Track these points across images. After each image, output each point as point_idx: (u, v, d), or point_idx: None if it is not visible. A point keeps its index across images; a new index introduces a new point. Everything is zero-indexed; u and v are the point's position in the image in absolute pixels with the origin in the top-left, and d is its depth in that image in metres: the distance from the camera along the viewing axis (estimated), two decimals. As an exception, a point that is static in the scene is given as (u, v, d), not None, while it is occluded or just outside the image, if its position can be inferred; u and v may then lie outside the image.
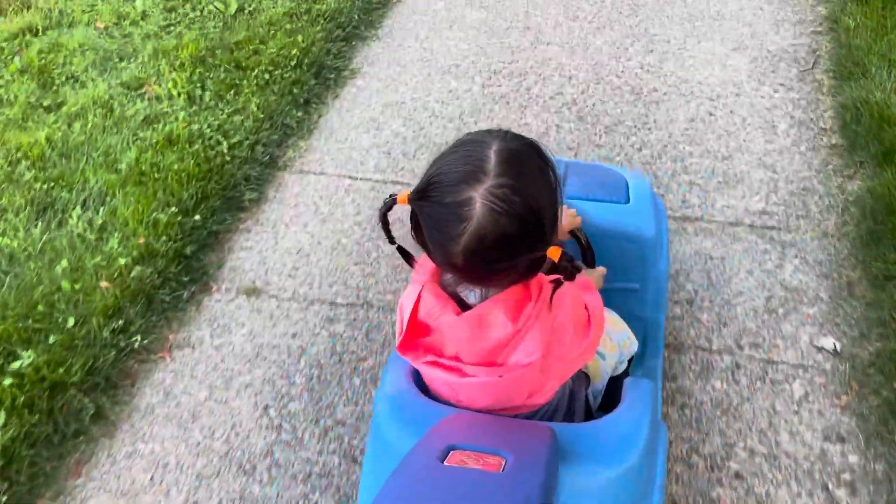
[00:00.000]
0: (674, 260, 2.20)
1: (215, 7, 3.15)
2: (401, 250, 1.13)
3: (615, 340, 1.46)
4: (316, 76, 2.93)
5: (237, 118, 2.64)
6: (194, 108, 2.68)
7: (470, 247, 0.97)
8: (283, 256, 2.29)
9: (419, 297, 1.10)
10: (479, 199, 0.96)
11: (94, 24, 3.13)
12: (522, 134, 1.06)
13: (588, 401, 1.38)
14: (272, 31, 3.04)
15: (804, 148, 2.56)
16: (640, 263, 1.61)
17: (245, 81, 2.79)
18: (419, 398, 1.18)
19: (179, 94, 2.73)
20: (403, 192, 1.02)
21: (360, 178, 2.55)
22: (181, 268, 2.20)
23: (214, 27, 3.08)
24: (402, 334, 1.12)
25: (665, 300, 1.78)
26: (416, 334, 1.12)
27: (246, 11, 3.18)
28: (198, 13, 3.17)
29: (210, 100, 2.71)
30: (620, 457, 1.11)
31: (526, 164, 1.00)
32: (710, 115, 2.71)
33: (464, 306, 1.10)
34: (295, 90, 2.82)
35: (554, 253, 0.99)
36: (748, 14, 3.20)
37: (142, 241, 2.20)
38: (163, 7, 3.21)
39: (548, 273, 1.01)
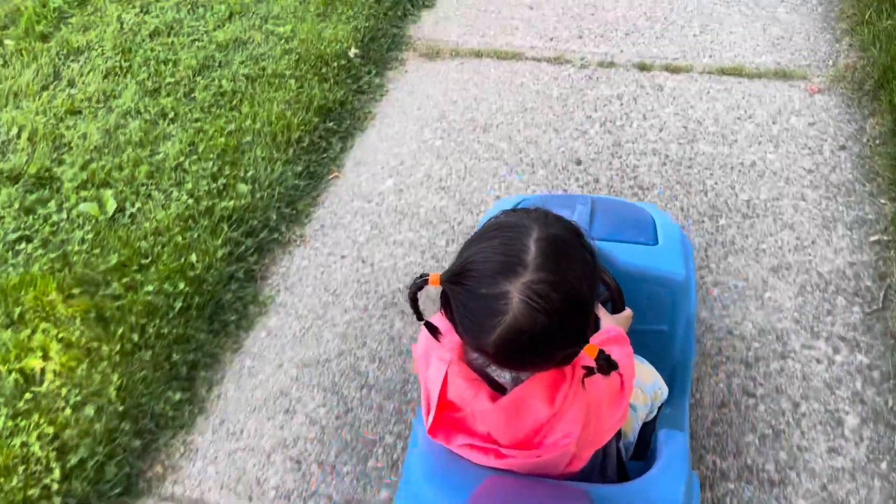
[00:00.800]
0: None
1: (87, 211, 2.39)
2: (428, 326, 1.07)
3: (647, 392, 1.42)
4: (210, 322, 2.16)
5: (85, 414, 1.87)
6: (24, 399, 1.91)
7: (503, 341, 0.94)
8: None
9: (446, 376, 1.06)
10: (516, 293, 0.93)
11: (-76, 235, 2.37)
12: (558, 216, 1.02)
13: (620, 454, 1.32)
14: (158, 247, 2.27)
15: (885, 466, 1.79)
16: (669, 306, 1.59)
17: (106, 346, 2.02)
18: (452, 456, 1.13)
19: (10, 372, 1.96)
20: (434, 275, 0.99)
21: (255, 513, 1.79)
22: None
23: (82, 242, 2.31)
24: (431, 416, 1.08)
25: (693, 342, 1.75)
26: (444, 409, 1.09)
27: (127, 214, 2.41)
28: (64, 216, 2.40)
29: (51, 381, 1.94)
30: None
31: (568, 253, 0.97)
32: (748, 395, 1.94)
33: (495, 385, 1.07)
34: (175, 355, 2.04)
35: (591, 351, 0.97)
36: (787, 207, 2.44)
37: None
38: (20, 206, 2.44)
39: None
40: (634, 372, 1.19)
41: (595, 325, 1.03)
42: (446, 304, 1.00)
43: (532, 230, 0.96)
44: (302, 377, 2.06)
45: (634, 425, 1.40)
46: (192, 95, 2.88)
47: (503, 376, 1.07)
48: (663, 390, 1.48)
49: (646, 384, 1.43)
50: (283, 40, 3.15)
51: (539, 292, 0.92)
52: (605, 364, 0.97)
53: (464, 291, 0.96)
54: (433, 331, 1.08)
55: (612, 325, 1.30)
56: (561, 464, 1.10)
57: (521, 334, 0.93)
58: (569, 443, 1.04)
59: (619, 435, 1.33)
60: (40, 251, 2.28)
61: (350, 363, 2.09)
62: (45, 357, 1.99)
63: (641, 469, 1.20)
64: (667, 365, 1.59)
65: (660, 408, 1.50)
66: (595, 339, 1.04)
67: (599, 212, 1.63)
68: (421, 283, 1.02)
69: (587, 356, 0.98)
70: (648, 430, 1.46)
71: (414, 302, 1.05)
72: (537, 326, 0.93)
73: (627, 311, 1.39)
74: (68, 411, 1.88)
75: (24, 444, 1.81)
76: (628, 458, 1.39)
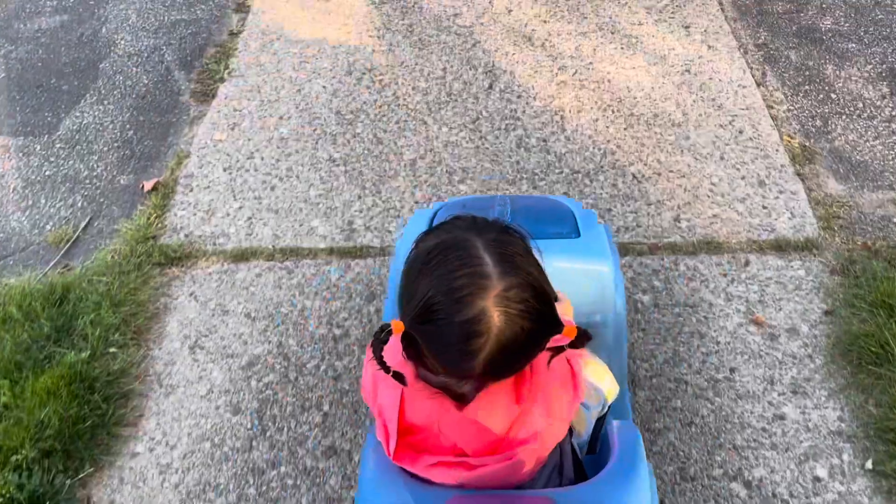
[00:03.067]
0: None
1: None
2: (396, 375, 1.00)
3: (599, 391, 1.33)
4: None
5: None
6: None
7: (492, 358, 0.91)
8: None
9: (402, 400, 1.02)
10: (493, 308, 0.89)
11: None
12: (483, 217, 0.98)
13: (576, 452, 1.23)
14: None
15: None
16: (599, 296, 1.59)
17: None
18: (406, 480, 1.06)
19: None
20: (396, 322, 0.94)
21: None
22: None
23: None
24: (393, 442, 1.02)
25: (625, 329, 1.69)
26: (405, 434, 1.03)
27: None
28: None
29: None
30: None
31: (516, 249, 0.95)
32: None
33: (455, 396, 0.99)
34: None
35: (570, 332, 0.96)
36: None
37: None
38: None
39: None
40: (582, 367, 1.13)
41: None
42: (409, 346, 0.95)
43: (474, 240, 0.92)
44: None
45: (588, 424, 1.31)
46: None
47: (463, 386, 0.98)
48: (615, 387, 1.36)
49: (598, 384, 1.32)
50: None
51: (514, 298, 0.89)
52: (585, 336, 0.97)
53: (436, 328, 0.90)
54: (401, 378, 1.01)
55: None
56: (531, 462, 1.02)
57: (508, 345, 0.90)
58: (537, 433, 1.00)
59: (571, 433, 1.23)
60: None
61: None
62: None
63: (595, 462, 1.19)
64: (603, 355, 1.44)
65: (610, 405, 1.41)
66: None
67: (519, 210, 1.61)
68: (385, 337, 0.96)
69: (564, 337, 0.96)
70: (599, 426, 1.36)
71: (381, 358, 0.98)
72: (522, 333, 0.90)
73: (565, 298, 1.36)
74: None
75: None
76: (583, 456, 1.30)
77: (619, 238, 2.28)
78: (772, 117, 2.68)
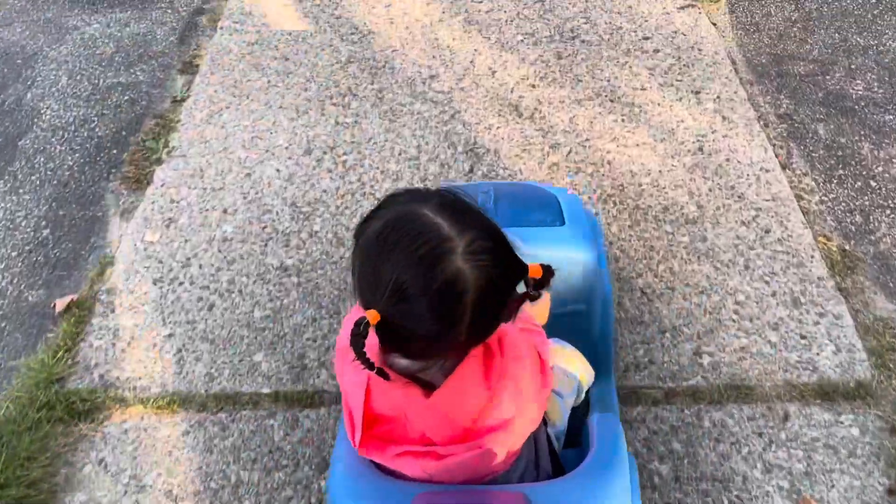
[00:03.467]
0: None
1: None
2: (380, 372, 0.95)
3: (572, 376, 1.35)
4: None
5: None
6: None
7: (475, 315, 0.90)
8: None
9: (368, 389, 0.99)
10: (464, 266, 0.88)
11: None
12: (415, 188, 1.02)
13: (552, 444, 1.25)
14: None
15: None
16: (584, 284, 1.57)
17: None
18: (377, 476, 1.06)
19: None
20: (370, 312, 0.88)
21: None
22: None
23: None
24: (358, 433, 0.99)
25: (612, 319, 1.69)
26: (372, 425, 1.01)
27: None
28: None
29: None
30: None
31: (464, 206, 0.95)
32: None
33: (424, 384, 0.99)
34: None
35: (536, 271, 0.97)
36: None
37: None
38: None
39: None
40: (550, 360, 1.12)
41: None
42: (386, 336, 0.92)
43: (421, 209, 0.91)
44: None
45: (562, 412, 1.31)
46: None
47: (433, 373, 0.98)
48: (589, 373, 1.39)
49: (568, 369, 1.34)
50: None
51: (479, 250, 0.89)
52: (549, 272, 0.97)
53: (413, 305, 0.88)
54: (386, 375, 0.95)
55: (526, 315, 1.21)
56: (502, 452, 1.01)
57: (486, 298, 0.90)
58: (507, 420, 0.98)
59: (545, 422, 1.25)
60: None
61: None
62: None
63: (576, 457, 1.15)
64: (589, 345, 1.51)
65: (588, 391, 1.42)
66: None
67: (503, 197, 1.61)
68: (365, 330, 0.89)
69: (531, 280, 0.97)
70: (579, 415, 1.37)
71: (364, 355, 0.90)
72: (495, 281, 0.90)
73: (545, 298, 1.32)
74: None
75: None
76: (561, 448, 1.30)
77: (629, 381, 1.86)
78: (802, 211, 2.28)
